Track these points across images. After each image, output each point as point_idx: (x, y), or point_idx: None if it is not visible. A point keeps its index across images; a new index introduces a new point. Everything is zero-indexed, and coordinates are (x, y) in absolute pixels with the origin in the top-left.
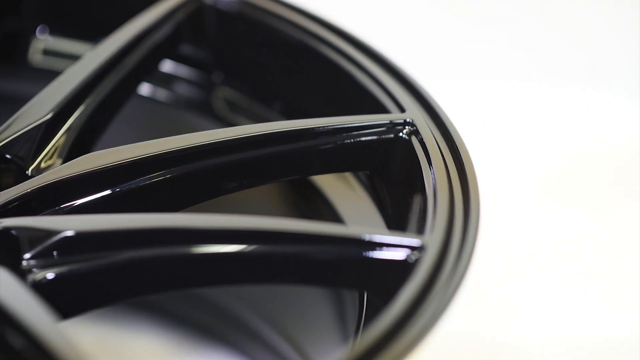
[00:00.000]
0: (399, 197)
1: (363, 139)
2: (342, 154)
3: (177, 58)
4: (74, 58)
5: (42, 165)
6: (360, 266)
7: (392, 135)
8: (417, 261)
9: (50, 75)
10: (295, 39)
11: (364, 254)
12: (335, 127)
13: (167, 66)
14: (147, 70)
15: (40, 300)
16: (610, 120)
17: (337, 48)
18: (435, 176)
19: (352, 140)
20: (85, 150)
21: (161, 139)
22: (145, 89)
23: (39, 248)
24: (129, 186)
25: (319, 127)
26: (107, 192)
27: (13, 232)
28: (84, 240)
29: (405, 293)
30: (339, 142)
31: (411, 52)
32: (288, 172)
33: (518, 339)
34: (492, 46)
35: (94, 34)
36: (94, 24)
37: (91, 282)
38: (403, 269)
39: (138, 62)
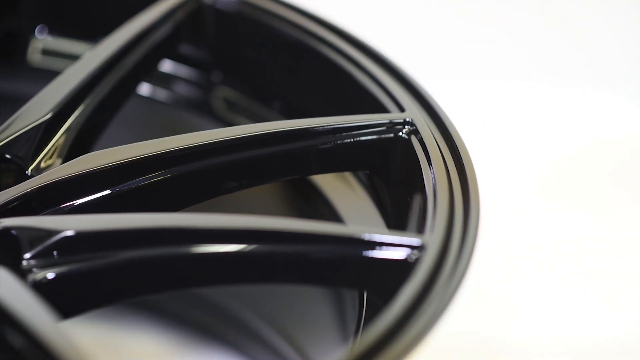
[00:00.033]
0: (399, 197)
1: (363, 138)
2: (342, 154)
3: (177, 58)
4: (73, 58)
5: (42, 165)
6: (360, 265)
7: (391, 135)
8: (417, 260)
9: (49, 75)
10: (295, 39)
11: (364, 253)
12: (334, 126)
13: (167, 66)
14: (147, 70)
15: (41, 300)
16: (610, 120)
17: (337, 48)
18: (435, 175)
19: (351, 139)
20: (85, 150)
21: (161, 138)
22: (144, 88)
23: (39, 248)
24: (128, 186)
25: (319, 126)
26: (107, 192)
27: (13, 232)
28: (84, 240)
29: (406, 292)
30: (338, 142)
31: (411, 52)
32: (288, 172)
33: (518, 339)
34: (492, 46)
35: (93, 34)
36: (93, 24)
37: (91, 282)
38: (403, 269)
39: (137, 62)
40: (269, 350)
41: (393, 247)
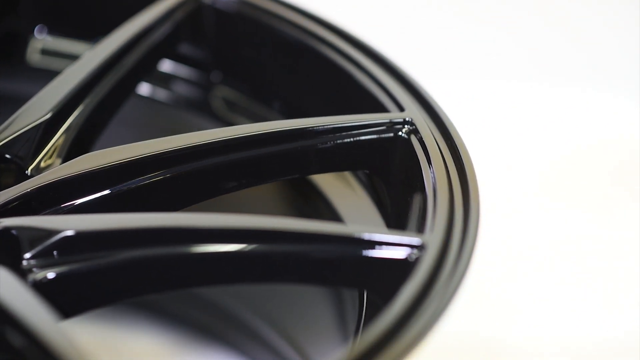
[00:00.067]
0: (399, 196)
1: (362, 138)
2: (342, 153)
3: (176, 57)
4: (72, 58)
5: (42, 165)
6: (360, 265)
7: (391, 134)
8: (417, 260)
9: (49, 75)
10: (295, 39)
11: (364, 252)
12: (334, 126)
13: (166, 66)
14: (146, 69)
15: (41, 300)
16: (610, 120)
17: (337, 47)
18: (434, 175)
19: (351, 139)
20: (85, 150)
21: (160, 138)
22: (144, 88)
23: (39, 248)
24: (128, 186)
25: (318, 126)
26: (107, 191)
27: (13, 231)
28: (84, 240)
29: (406, 292)
30: (338, 141)
31: (411, 52)
32: (287, 172)
33: (518, 339)
34: (492, 46)
35: (93, 34)
36: (92, 24)
37: (91, 282)
38: (403, 268)
39: (137, 62)
40: (269, 350)
41: (393, 247)
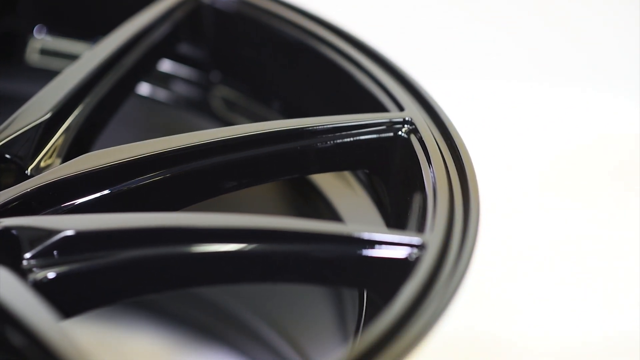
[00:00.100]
0: (398, 196)
1: (362, 137)
2: (341, 153)
3: (175, 57)
4: (72, 58)
5: (42, 164)
6: (360, 265)
7: (391, 134)
8: (417, 259)
9: (48, 75)
10: (294, 38)
11: (364, 252)
12: (334, 125)
13: (165, 65)
14: (145, 69)
15: (41, 299)
16: (610, 120)
17: (336, 47)
18: (434, 175)
19: (351, 139)
20: (84, 150)
21: (160, 138)
22: (143, 88)
23: (39, 247)
24: (128, 186)
25: (318, 126)
26: (106, 191)
27: (13, 231)
28: (84, 240)
29: (406, 292)
30: (337, 141)
31: (411, 52)
32: (287, 171)
33: (518, 339)
34: (492, 46)
35: (92, 34)
36: (91, 24)
37: (91, 282)
38: (403, 268)
39: (136, 62)
40: (269, 350)
41: (393, 246)
